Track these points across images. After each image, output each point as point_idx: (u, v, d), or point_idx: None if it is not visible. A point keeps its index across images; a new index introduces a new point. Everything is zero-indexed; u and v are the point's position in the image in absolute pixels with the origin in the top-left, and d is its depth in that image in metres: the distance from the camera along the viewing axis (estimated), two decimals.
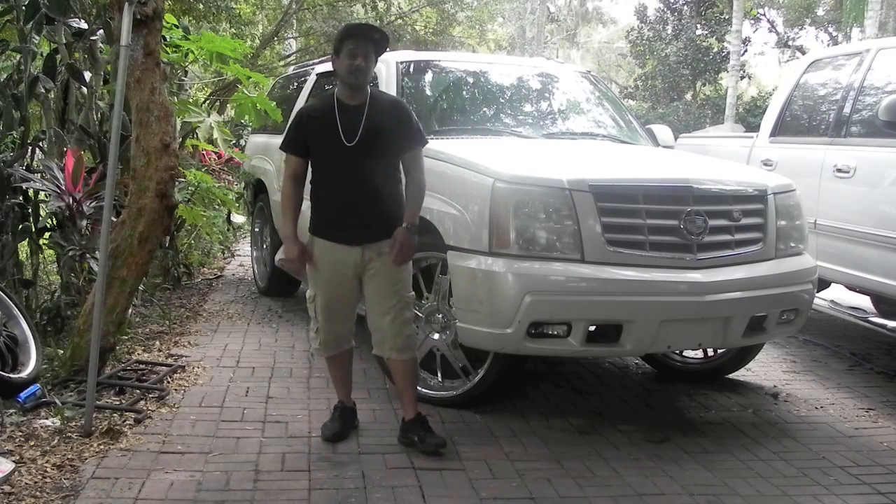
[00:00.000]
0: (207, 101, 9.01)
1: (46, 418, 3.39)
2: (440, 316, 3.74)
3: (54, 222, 4.80)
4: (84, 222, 4.57)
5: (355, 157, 3.13)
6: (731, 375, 4.41)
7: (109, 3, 4.29)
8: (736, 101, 17.37)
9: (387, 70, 4.55)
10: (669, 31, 20.91)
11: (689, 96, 20.99)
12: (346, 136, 3.13)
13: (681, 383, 4.32)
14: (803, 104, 5.46)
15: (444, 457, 3.20)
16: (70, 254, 4.46)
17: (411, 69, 4.71)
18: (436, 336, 3.77)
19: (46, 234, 4.85)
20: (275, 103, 5.87)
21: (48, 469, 2.94)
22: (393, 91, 4.36)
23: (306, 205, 3.32)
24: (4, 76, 4.98)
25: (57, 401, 3.50)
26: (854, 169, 4.61)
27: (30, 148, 4.88)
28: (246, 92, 6.32)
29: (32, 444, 3.15)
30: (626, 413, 3.86)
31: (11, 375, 3.56)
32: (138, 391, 3.79)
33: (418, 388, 3.52)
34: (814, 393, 4.26)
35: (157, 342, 4.66)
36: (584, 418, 3.73)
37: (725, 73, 18.92)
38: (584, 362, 4.62)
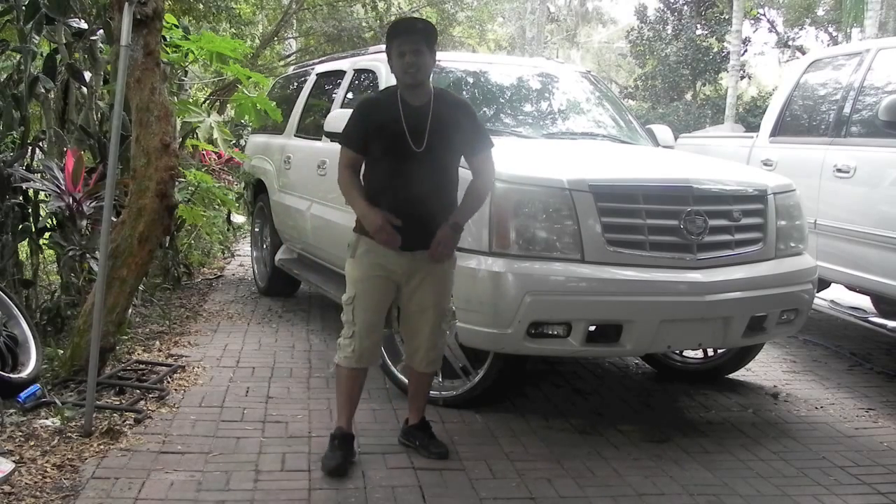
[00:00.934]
0: (207, 101, 9.00)
1: (46, 418, 3.39)
2: None
3: (54, 222, 4.79)
4: (84, 222, 4.56)
5: (421, 161, 2.98)
6: (731, 375, 4.41)
7: (109, 3, 4.29)
8: (736, 101, 17.34)
9: (386, 70, 4.54)
10: (669, 31, 20.89)
11: (689, 96, 20.96)
12: (413, 141, 2.97)
13: (681, 383, 4.32)
14: (803, 104, 5.45)
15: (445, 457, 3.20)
16: (70, 254, 4.45)
17: None
18: None
19: (46, 234, 4.85)
20: (275, 103, 5.87)
21: (48, 469, 2.94)
22: None
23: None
24: (4, 76, 4.98)
25: (57, 401, 3.50)
26: (854, 169, 4.61)
27: (30, 148, 4.87)
28: (246, 92, 6.33)
29: (32, 444, 3.15)
30: (626, 413, 3.86)
31: (11, 375, 3.56)
32: (138, 391, 3.79)
33: None
34: (814, 393, 4.26)
35: (157, 342, 4.66)
36: (584, 418, 3.73)
37: (725, 73, 18.89)
38: (584, 362, 4.62)
